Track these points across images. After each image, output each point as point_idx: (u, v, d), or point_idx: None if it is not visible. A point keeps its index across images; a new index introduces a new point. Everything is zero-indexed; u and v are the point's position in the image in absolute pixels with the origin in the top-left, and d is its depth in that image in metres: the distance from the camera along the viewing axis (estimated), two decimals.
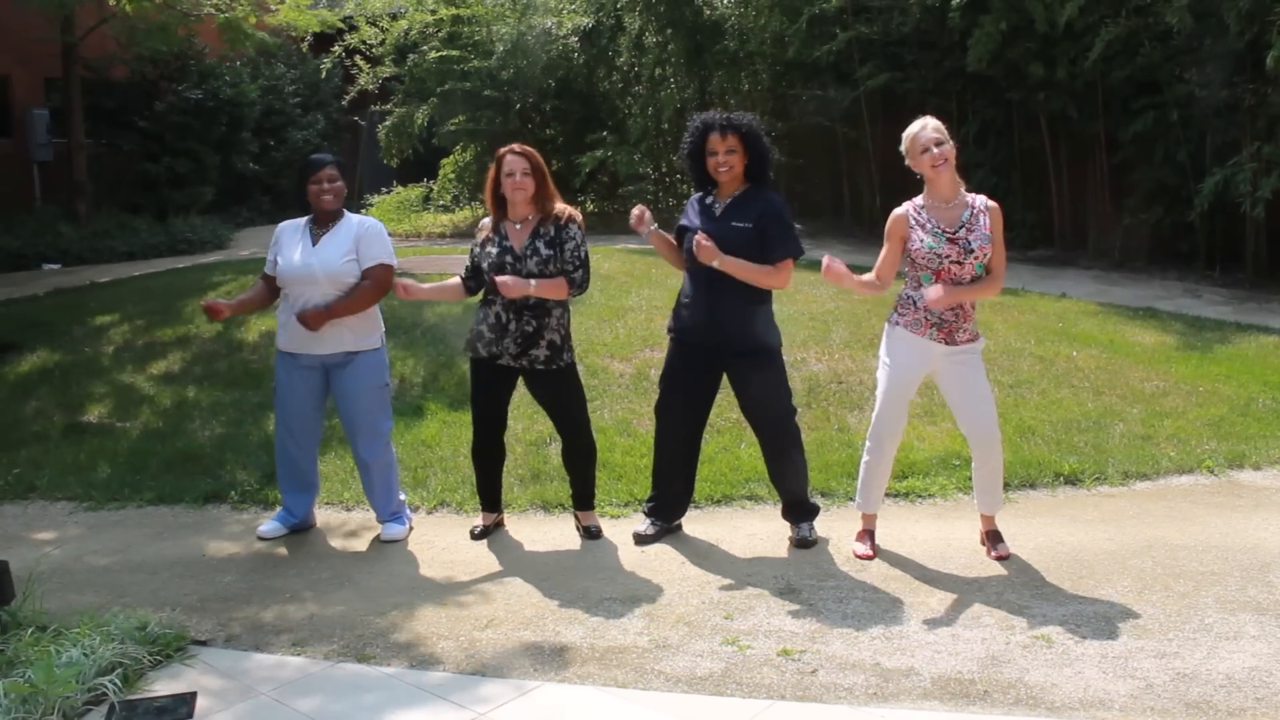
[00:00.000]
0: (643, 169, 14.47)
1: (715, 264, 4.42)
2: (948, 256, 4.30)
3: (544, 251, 4.59)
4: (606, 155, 13.78)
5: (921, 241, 4.34)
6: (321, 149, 18.46)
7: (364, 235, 4.75)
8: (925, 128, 4.31)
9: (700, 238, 4.42)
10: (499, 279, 4.52)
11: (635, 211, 4.62)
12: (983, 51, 10.92)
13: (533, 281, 4.53)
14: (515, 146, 4.69)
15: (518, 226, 4.67)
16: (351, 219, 4.81)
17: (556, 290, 4.59)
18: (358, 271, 4.71)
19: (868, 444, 4.59)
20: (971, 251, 4.30)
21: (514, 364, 4.68)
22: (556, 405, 4.83)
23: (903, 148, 4.37)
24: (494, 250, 4.66)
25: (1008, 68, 11.31)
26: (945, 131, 4.33)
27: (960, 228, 4.32)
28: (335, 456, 5.79)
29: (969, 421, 4.47)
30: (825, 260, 4.41)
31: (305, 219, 4.84)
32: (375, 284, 4.72)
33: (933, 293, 4.23)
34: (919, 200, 4.43)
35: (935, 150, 4.27)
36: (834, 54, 12.30)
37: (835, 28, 12.36)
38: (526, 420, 6.06)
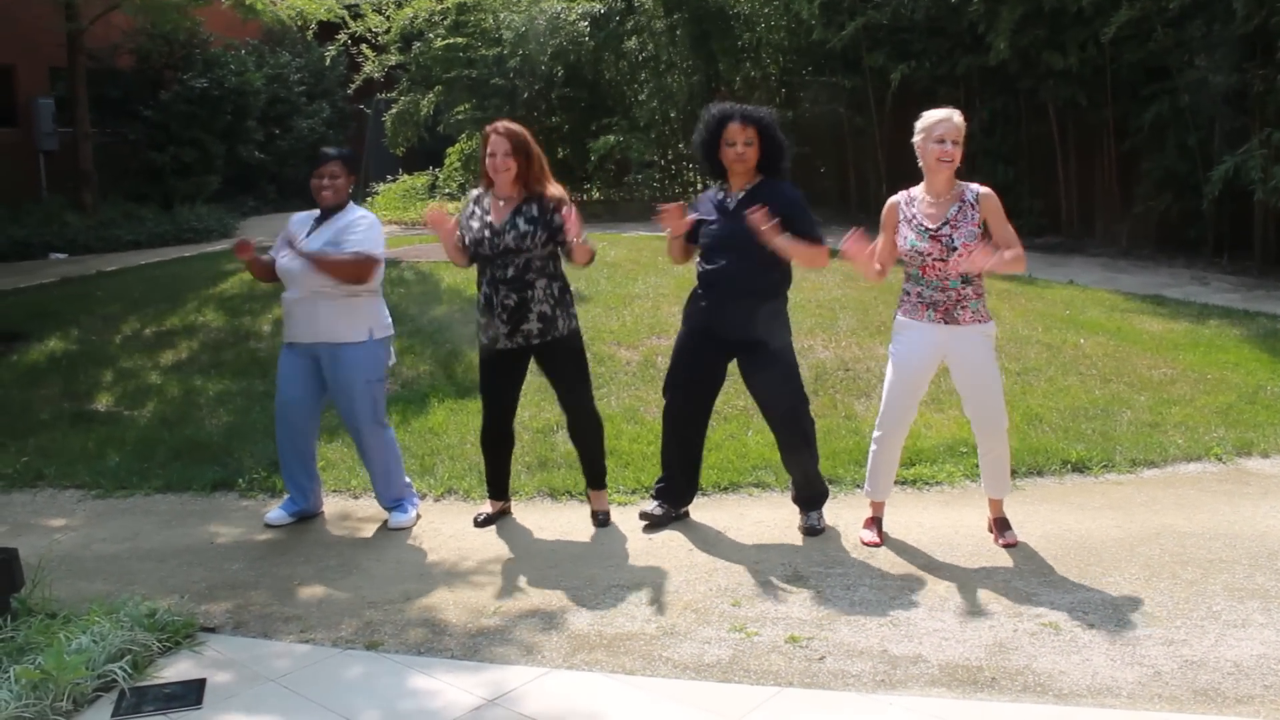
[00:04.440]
0: (651, 156, 14.45)
1: (780, 247, 4.37)
2: (929, 254, 4.27)
3: (523, 227, 4.56)
4: (618, 141, 13.74)
5: (905, 239, 4.33)
6: (327, 137, 18.48)
7: (347, 225, 4.72)
8: (948, 120, 4.24)
9: (760, 216, 4.32)
10: (568, 217, 4.50)
11: (671, 209, 4.54)
12: (1004, 42, 10.86)
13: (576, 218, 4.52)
14: (500, 126, 4.66)
15: (501, 203, 4.65)
16: (351, 212, 4.80)
17: (587, 252, 4.59)
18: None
19: (875, 434, 4.57)
20: (954, 249, 4.23)
21: (509, 344, 4.67)
22: (558, 377, 4.82)
23: (918, 126, 4.32)
24: (475, 224, 4.66)
25: (1018, 55, 11.27)
26: (963, 134, 4.27)
27: (944, 224, 4.27)
28: (342, 445, 5.79)
29: (973, 407, 4.45)
30: (849, 239, 4.33)
31: (316, 212, 4.87)
32: (354, 261, 4.63)
33: (976, 257, 4.15)
34: (914, 191, 4.40)
35: (948, 146, 4.23)
36: (843, 40, 12.27)
37: (844, 16, 12.32)
38: (534, 408, 6.06)
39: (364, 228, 4.74)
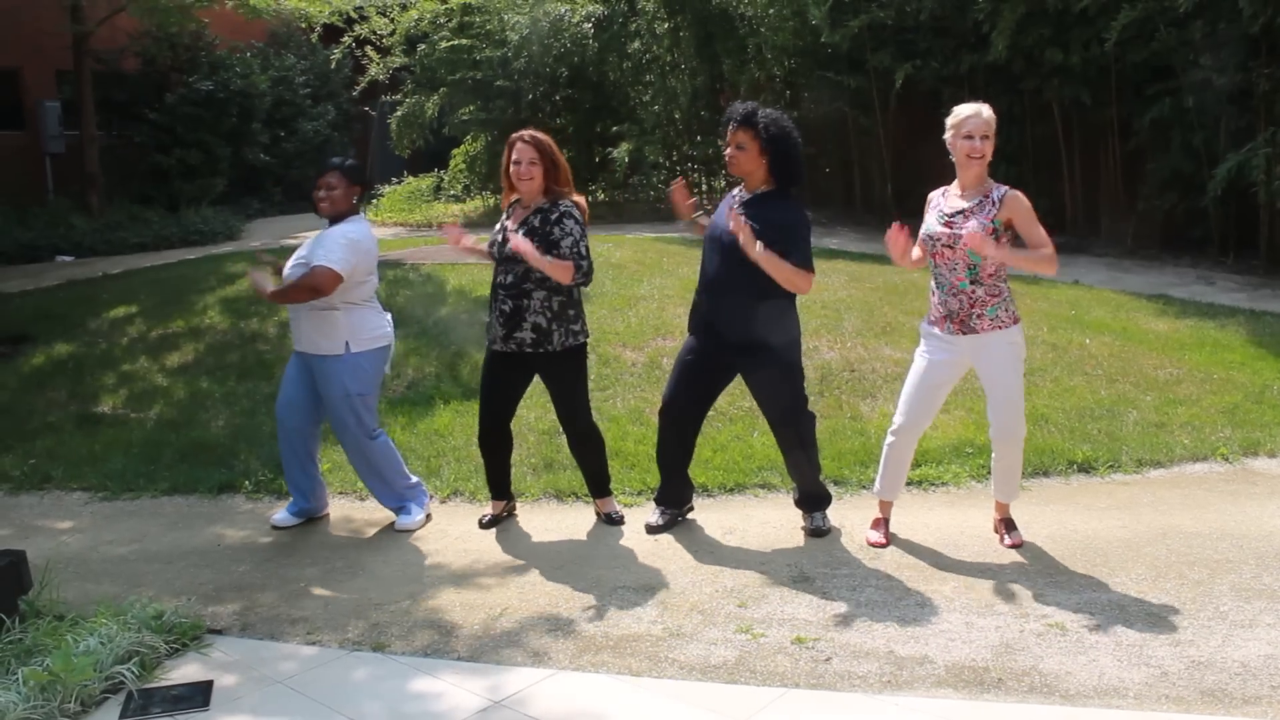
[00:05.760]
0: (656, 158, 14.46)
1: (753, 255, 4.26)
2: (939, 240, 4.27)
3: (521, 235, 4.52)
4: (636, 147, 13.75)
5: (925, 224, 4.34)
6: (332, 140, 18.52)
7: (320, 238, 4.69)
8: (978, 115, 4.23)
9: (736, 222, 4.29)
10: (511, 236, 4.52)
11: (677, 185, 4.67)
12: (1004, 41, 10.86)
13: (532, 245, 4.43)
14: (526, 134, 4.65)
15: (523, 210, 4.68)
16: (342, 224, 4.73)
17: (560, 271, 4.48)
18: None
19: (889, 433, 4.56)
20: (960, 238, 4.22)
21: (504, 347, 4.67)
22: (553, 390, 4.83)
23: (949, 122, 4.31)
24: (498, 229, 4.74)
25: (1022, 55, 11.26)
26: (993, 128, 4.26)
27: (959, 213, 4.26)
28: None
29: (993, 415, 4.41)
30: (893, 229, 4.35)
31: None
32: (310, 278, 4.56)
33: (973, 234, 4.11)
34: (951, 185, 4.40)
35: (977, 142, 4.22)
36: (847, 40, 12.26)
37: (848, 16, 12.31)
38: (538, 409, 6.06)
39: (332, 243, 4.63)
